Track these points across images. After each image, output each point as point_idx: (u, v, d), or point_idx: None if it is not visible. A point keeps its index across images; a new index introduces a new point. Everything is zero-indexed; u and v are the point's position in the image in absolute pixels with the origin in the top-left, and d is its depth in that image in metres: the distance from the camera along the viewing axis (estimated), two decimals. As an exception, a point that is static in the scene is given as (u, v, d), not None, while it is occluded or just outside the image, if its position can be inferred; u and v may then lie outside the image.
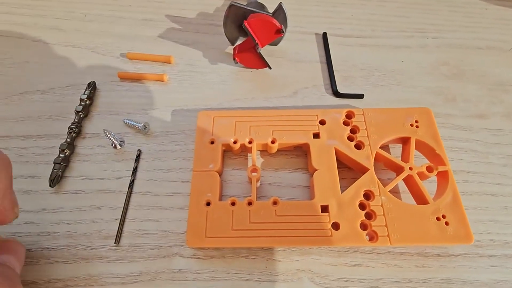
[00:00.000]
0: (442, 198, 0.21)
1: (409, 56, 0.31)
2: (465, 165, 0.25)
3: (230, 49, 0.30)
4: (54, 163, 0.22)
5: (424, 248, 0.21)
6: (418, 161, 0.23)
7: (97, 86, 0.27)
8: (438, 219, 0.20)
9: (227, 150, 0.24)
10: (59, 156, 0.23)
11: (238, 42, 0.30)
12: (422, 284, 0.20)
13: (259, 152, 0.24)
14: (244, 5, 0.27)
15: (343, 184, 0.22)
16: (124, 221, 0.21)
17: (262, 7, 0.28)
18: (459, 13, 0.34)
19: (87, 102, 0.25)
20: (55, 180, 0.22)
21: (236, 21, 0.28)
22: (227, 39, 0.29)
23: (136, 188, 0.22)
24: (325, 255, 0.21)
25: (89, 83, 0.26)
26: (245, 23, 0.24)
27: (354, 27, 0.32)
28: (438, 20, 0.34)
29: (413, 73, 0.30)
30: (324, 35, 0.31)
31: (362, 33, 0.32)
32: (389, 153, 0.25)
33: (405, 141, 0.24)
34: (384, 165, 0.23)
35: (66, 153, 0.23)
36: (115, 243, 0.20)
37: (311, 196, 0.22)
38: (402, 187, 0.23)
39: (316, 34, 0.32)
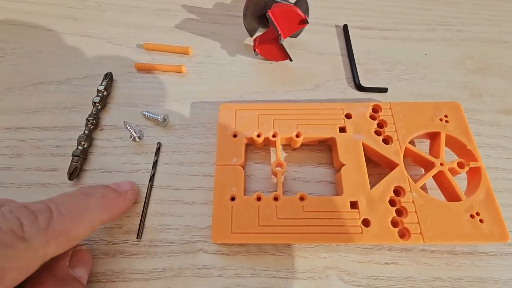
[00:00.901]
0: (475, 195, 0.20)
1: (432, 50, 0.30)
2: (493, 161, 0.24)
3: (248, 40, 0.29)
4: (72, 155, 0.22)
5: (454, 246, 0.21)
6: (446, 156, 0.22)
7: (113, 77, 0.26)
8: (472, 216, 0.19)
9: (249, 144, 0.23)
10: (77, 148, 0.22)
11: (257, 34, 0.29)
12: (454, 282, 0.19)
13: (281, 146, 0.24)
14: (266, -5, 0.26)
15: (370, 180, 0.21)
16: (145, 215, 0.20)
17: (283, -3, 0.27)
18: (482, 6, 0.33)
19: (104, 94, 0.24)
20: (74, 173, 0.21)
21: (257, 12, 0.27)
22: (245, 30, 0.28)
23: (156, 182, 0.22)
24: (353, 252, 0.20)
25: (105, 74, 0.25)
26: (269, 13, 0.23)
27: (375, 19, 0.32)
28: (461, 13, 0.33)
29: (437, 67, 0.29)
30: (345, 27, 0.30)
31: (383, 25, 0.31)
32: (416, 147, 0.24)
33: (433, 136, 0.23)
34: (412, 160, 0.23)
35: (84, 146, 0.22)
36: (137, 238, 0.20)
37: (338, 192, 0.21)
38: (430, 183, 0.22)
39: (336, 26, 0.31)
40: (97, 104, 0.24)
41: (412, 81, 0.28)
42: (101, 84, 0.24)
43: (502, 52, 0.30)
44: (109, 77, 0.25)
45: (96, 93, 0.24)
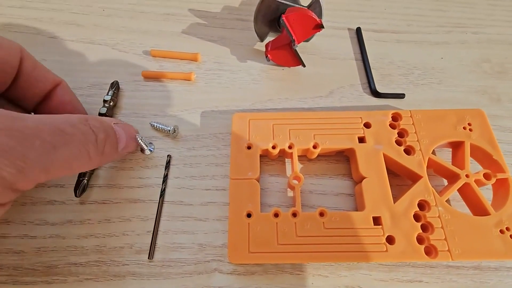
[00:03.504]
0: (504, 208, 0.19)
1: (449, 53, 0.29)
2: (516, 170, 0.23)
3: (259, 45, 0.28)
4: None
5: (481, 262, 0.20)
6: (470, 166, 0.21)
7: (120, 86, 0.25)
8: (501, 232, 0.18)
9: (263, 155, 0.22)
10: None
11: (268, 38, 0.28)
12: (482, 301, 0.19)
13: (297, 157, 0.23)
14: None
15: (391, 192, 0.20)
16: (157, 234, 0.19)
17: (295, 0, 0.26)
18: (499, 7, 0.32)
19: (111, 104, 0.23)
20: (81, 189, 0.20)
21: (268, 16, 0.26)
22: (255, 35, 0.27)
23: (167, 197, 0.21)
24: (375, 270, 0.19)
25: (112, 83, 0.24)
26: (283, 18, 0.22)
27: (388, 21, 0.30)
28: (477, 14, 0.32)
29: (454, 71, 0.28)
30: (358, 30, 0.29)
31: (397, 28, 0.30)
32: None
33: (456, 145, 0.22)
34: (435, 171, 0.22)
35: None
36: (148, 258, 0.19)
37: (359, 206, 0.20)
38: (453, 195, 0.21)
39: (349, 29, 0.30)
40: (104, 115, 0.23)
41: (429, 86, 0.27)
42: (107, 94, 0.23)
43: (521, 55, 0.29)
44: (115, 86, 0.24)
45: (102, 103, 0.23)
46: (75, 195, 0.20)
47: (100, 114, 0.23)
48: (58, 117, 0.16)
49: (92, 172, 0.21)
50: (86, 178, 0.20)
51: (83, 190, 0.20)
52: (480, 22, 0.31)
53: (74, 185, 0.20)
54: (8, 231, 0.19)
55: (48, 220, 0.20)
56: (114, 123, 0.19)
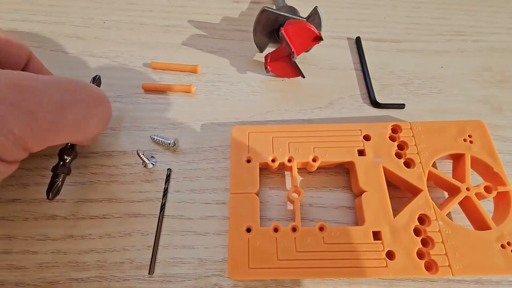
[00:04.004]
0: (505, 222, 0.19)
1: (449, 62, 0.29)
2: (518, 181, 0.23)
3: (258, 56, 0.28)
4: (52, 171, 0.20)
5: (481, 276, 0.20)
6: (470, 178, 0.21)
7: (121, 99, 0.25)
8: (503, 246, 0.18)
9: (263, 168, 0.22)
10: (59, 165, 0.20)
11: (267, 49, 0.28)
12: (484, 317, 0.18)
13: (297, 170, 0.23)
14: (277, 10, 0.25)
15: (391, 205, 0.20)
16: (157, 249, 0.20)
17: (294, 11, 0.26)
18: (501, 14, 0.32)
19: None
20: (54, 191, 0.20)
21: (267, 27, 0.26)
22: (255, 46, 0.27)
23: (167, 211, 0.21)
24: (375, 285, 0.19)
25: (94, 77, 0.24)
26: (282, 31, 0.22)
27: (388, 30, 0.30)
28: (478, 21, 0.31)
29: (454, 80, 0.28)
30: (358, 39, 0.29)
31: (397, 37, 0.30)
32: (437, 169, 0.23)
33: (456, 157, 0.22)
34: (435, 183, 0.21)
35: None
36: (149, 273, 0.19)
37: (359, 220, 0.20)
38: (454, 207, 0.21)
39: (348, 38, 0.30)
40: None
41: (429, 96, 0.27)
42: None
43: (522, 63, 0.29)
44: (97, 81, 0.24)
45: None
46: (48, 198, 0.19)
47: None
48: (67, 78, 0.16)
49: (66, 172, 0.20)
50: (59, 180, 0.20)
51: (57, 193, 0.20)
52: (481, 30, 0.31)
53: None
54: (10, 247, 0.19)
55: (50, 236, 0.20)
56: None
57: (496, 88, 0.28)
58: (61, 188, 0.20)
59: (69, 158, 0.21)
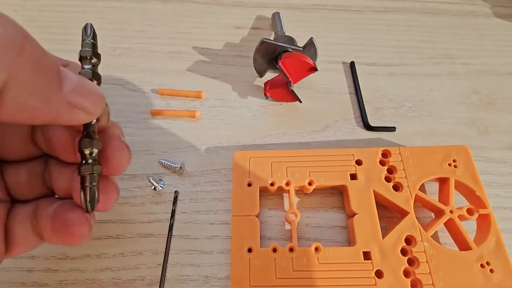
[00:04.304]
0: (485, 243, 0.21)
1: (439, 85, 0.30)
2: (501, 200, 0.25)
3: (258, 81, 0.30)
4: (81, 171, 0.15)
5: (465, 291, 0.21)
6: (456, 199, 0.23)
7: (130, 124, 0.27)
8: (482, 266, 0.20)
9: (262, 191, 0.24)
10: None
11: (267, 74, 0.30)
12: (466, 330, 0.20)
13: (294, 191, 0.24)
14: (275, 41, 0.27)
15: (380, 223, 0.22)
16: (166, 267, 0.21)
17: (291, 40, 0.28)
18: (488, 37, 0.34)
19: (93, 61, 0.16)
20: (92, 201, 0.15)
21: (267, 56, 0.28)
22: (255, 72, 0.29)
23: (175, 231, 0.23)
24: (366, 300, 0.21)
25: (84, 27, 0.16)
26: (280, 64, 0.24)
27: (381, 54, 0.32)
28: (466, 45, 0.33)
29: (443, 103, 0.29)
30: (352, 64, 0.31)
31: (390, 60, 0.32)
32: (425, 190, 0.25)
33: (442, 180, 0.24)
34: (422, 205, 0.23)
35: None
36: (159, 290, 0.21)
37: (350, 239, 0.22)
38: (442, 226, 0.23)
39: (343, 62, 0.31)
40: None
41: (419, 119, 0.28)
42: (83, 47, 0.15)
43: (508, 85, 0.31)
44: (91, 33, 0.15)
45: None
46: (86, 211, 0.15)
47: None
48: None
49: (97, 172, 0.15)
50: (91, 183, 0.15)
51: (94, 201, 0.15)
52: (469, 53, 0.33)
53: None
54: (33, 266, 0.21)
55: (69, 255, 0.22)
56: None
57: (483, 110, 0.29)
58: (97, 192, 0.15)
59: (97, 151, 0.15)
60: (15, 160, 0.16)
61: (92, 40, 0.15)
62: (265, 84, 0.27)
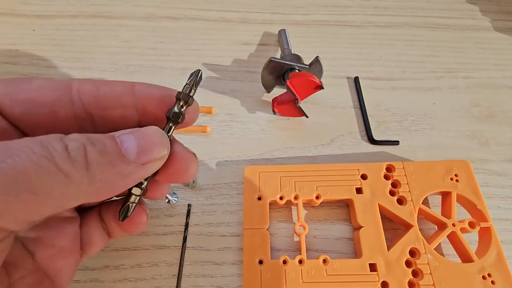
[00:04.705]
0: (486, 255, 0.21)
1: (441, 98, 0.31)
2: (502, 212, 0.26)
3: (266, 96, 0.31)
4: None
5: (468, 302, 0.22)
6: (458, 210, 0.24)
7: (144, 139, 0.28)
8: (484, 278, 0.21)
9: (272, 203, 0.25)
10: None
11: (274, 90, 0.31)
12: None
13: (302, 205, 0.25)
14: (282, 59, 0.28)
15: (385, 235, 0.23)
16: (181, 278, 0.22)
17: (298, 58, 0.29)
18: (487, 50, 0.35)
19: (183, 103, 0.17)
20: (124, 212, 0.17)
21: (274, 73, 0.29)
22: (263, 87, 0.30)
23: (189, 243, 0.24)
24: (372, 310, 0.22)
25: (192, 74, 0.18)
26: (288, 83, 0.26)
27: (384, 69, 0.33)
28: (467, 58, 0.34)
29: (445, 116, 0.30)
30: (356, 79, 0.32)
31: (392, 75, 0.33)
32: (428, 202, 0.26)
33: (444, 194, 0.24)
34: (426, 218, 0.24)
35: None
36: (174, 300, 0.22)
37: (357, 251, 0.23)
38: (445, 238, 0.24)
39: (347, 77, 0.33)
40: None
41: (422, 132, 0.29)
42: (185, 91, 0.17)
43: (508, 98, 0.32)
44: (196, 78, 0.18)
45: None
46: (119, 219, 0.17)
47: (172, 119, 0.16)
48: None
49: (140, 196, 0.17)
50: (133, 202, 0.16)
51: (126, 215, 0.17)
52: (470, 67, 0.34)
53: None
54: (55, 276, 0.23)
55: (89, 266, 0.23)
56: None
57: (484, 123, 0.30)
58: (132, 210, 0.17)
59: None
60: None
61: (194, 88, 0.17)
62: (273, 100, 0.29)
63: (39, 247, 0.15)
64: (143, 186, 0.16)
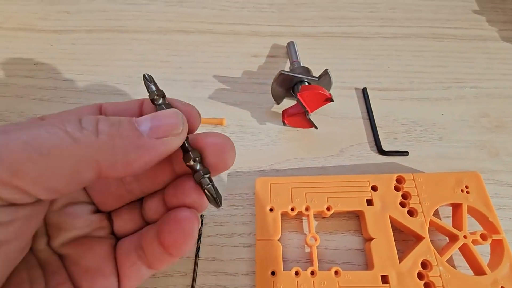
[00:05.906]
0: (499, 268, 0.21)
1: (449, 109, 0.32)
2: (514, 224, 0.26)
3: (276, 107, 0.32)
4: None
5: (481, 315, 0.22)
6: (469, 222, 0.24)
7: (158, 151, 0.29)
8: (497, 291, 0.21)
9: (283, 215, 0.25)
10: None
11: (284, 101, 0.31)
12: None
13: (313, 216, 0.26)
14: (291, 72, 0.29)
15: (397, 246, 0.23)
16: (195, 288, 0.23)
17: (307, 71, 0.30)
18: (495, 60, 0.35)
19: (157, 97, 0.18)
20: (219, 197, 0.17)
21: (284, 85, 0.29)
22: (272, 98, 0.31)
23: (202, 254, 0.24)
24: (384, 322, 0.22)
25: (143, 77, 0.19)
26: (298, 96, 0.26)
27: (392, 79, 0.34)
28: (475, 68, 0.34)
29: (454, 127, 0.31)
30: (364, 90, 0.32)
31: (400, 85, 0.33)
32: (439, 214, 0.26)
33: (455, 205, 0.25)
34: (437, 230, 0.24)
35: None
36: (189, 310, 0.22)
37: (368, 263, 0.23)
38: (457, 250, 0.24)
39: (356, 88, 0.33)
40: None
41: (431, 143, 0.30)
42: (150, 90, 0.18)
43: (517, 108, 0.32)
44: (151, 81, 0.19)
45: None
46: (218, 206, 0.17)
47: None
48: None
49: (207, 175, 0.17)
50: (209, 183, 0.17)
51: (219, 196, 0.17)
52: (478, 77, 0.34)
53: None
54: (73, 286, 0.23)
55: (105, 276, 0.23)
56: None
57: (493, 133, 0.30)
58: (217, 189, 0.17)
59: (198, 158, 0.16)
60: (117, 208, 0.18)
61: (152, 85, 0.18)
62: (283, 112, 0.29)
63: (68, 260, 0.16)
64: (201, 171, 0.16)
